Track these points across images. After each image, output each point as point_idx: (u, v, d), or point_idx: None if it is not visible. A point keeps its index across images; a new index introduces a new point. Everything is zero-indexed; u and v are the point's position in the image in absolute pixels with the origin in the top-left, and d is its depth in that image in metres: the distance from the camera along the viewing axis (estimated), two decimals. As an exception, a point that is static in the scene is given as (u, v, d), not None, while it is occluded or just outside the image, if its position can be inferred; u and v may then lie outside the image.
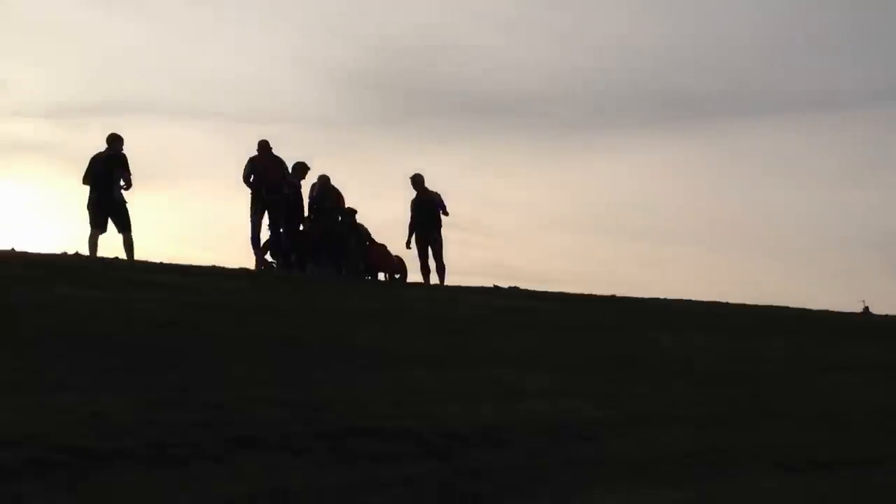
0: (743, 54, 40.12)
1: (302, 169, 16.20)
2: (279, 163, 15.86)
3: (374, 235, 17.30)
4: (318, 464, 3.45)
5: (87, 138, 34.80)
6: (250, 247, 15.99)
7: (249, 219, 15.82)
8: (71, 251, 13.62)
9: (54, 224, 31.32)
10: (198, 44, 38.63)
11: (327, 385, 4.87)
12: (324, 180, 16.50)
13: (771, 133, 40.44)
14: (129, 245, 14.15)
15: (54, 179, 36.20)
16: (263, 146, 15.79)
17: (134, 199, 14.41)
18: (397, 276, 17.19)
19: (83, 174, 14.19)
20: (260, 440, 3.58)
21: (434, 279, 16.10)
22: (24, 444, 3.11)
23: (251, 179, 15.61)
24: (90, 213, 14.13)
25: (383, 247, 17.26)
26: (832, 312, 16.36)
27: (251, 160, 15.72)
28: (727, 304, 15.74)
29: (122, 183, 14.12)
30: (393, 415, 4.30)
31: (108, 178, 13.98)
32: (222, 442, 3.50)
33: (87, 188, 14.22)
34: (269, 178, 15.56)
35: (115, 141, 14.29)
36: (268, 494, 3.04)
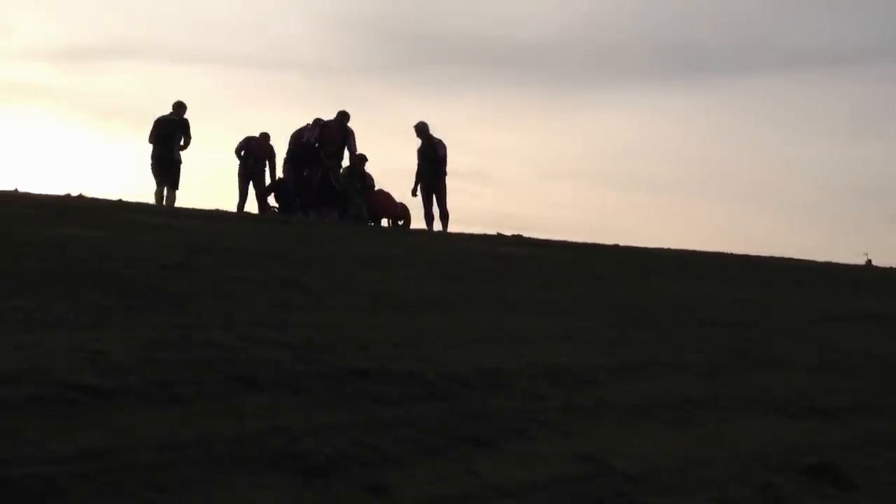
0: (752, 6, 39.69)
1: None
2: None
3: (378, 183, 17.23)
4: (320, 404, 3.46)
5: (90, 81, 34.61)
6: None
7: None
8: (75, 194, 13.61)
9: (59, 166, 31.26)
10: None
11: (328, 327, 4.86)
12: (340, 121, 16.24)
13: (777, 85, 40.17)
14: (171, 201, 15.62)
15: (59, 122, 36.07)
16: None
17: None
18: (400, 222, 17.16)
19: (149, 133, 15.91)
20: (262, 380, 3.58)
21: (437, 226, 16.07)
22: (25, 380, 3.11)
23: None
24: (153, 170, 15.78)
25: (387, 194, 17.20)
26: (835, 264, 16.34)
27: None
28: (731, 254, 15.72)
29: (181, 143, 15.80)
30: (394, 357, 4.29)
31: (170, 139, 15.66)
32: (224, 381, 3.50)
33: (149, 147, 15.81)
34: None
35: (179, 107, 15.94)
36: (269, 433, 3.05)
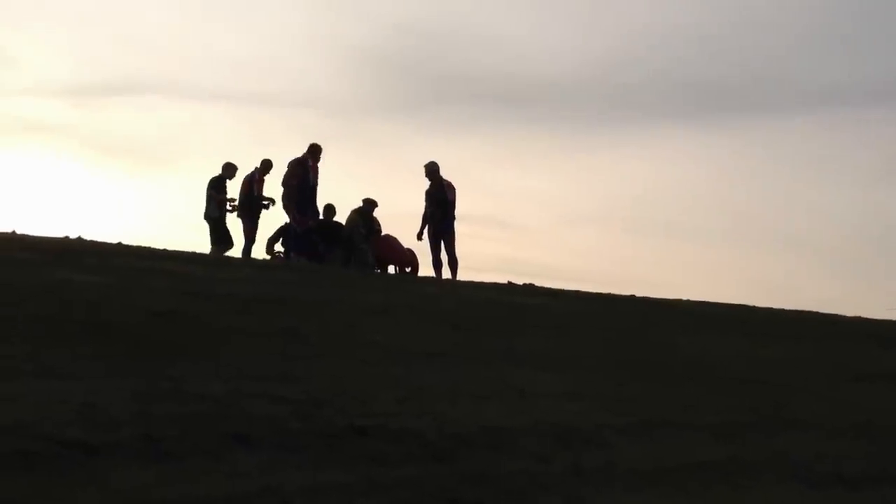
0: (778, 43, 39.82)
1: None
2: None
3: (387, 227, 17.28)
4: (315, 463, 3.46)
5: (99, 118, 34.92)
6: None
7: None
8: (74, 236, 13.70)
9: (63, 207, 31.47)
10: (214, 22, 38.68)
11: (328, 381, 4.87)
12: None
13: (804, 127, 40.10)
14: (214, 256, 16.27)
15: (65, 160, 36.34)
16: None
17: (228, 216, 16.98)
18: (408, 269, 17.18)
19: None
20: (255, 437, 3.59)
21: (446, 274, 16.09)
22: (10, 434, 3.13)
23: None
24: None
25: (394, 239, 17.23)
26: (864, 319, 16.27)
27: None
28: (752, 307, 15.67)
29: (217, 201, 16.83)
30: (395, 413, 4.30)
31: (207, 196, 16.79)
32: (217, 437, 3.51)
33: None
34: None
35: (223, 166, 16.99)
36: (261, 494, 3.05)
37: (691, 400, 5.90)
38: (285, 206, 16.20)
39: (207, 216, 16.80)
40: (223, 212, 16.85)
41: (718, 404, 5.90)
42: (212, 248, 16.57)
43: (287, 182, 16.05)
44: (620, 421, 4.93)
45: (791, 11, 40.15)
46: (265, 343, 5.80)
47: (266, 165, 16.69)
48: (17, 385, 3.87)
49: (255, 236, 16.91)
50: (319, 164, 16.34)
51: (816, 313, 16.01)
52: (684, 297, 15.71)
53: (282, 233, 16.83)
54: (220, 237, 16.77)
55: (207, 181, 16.93)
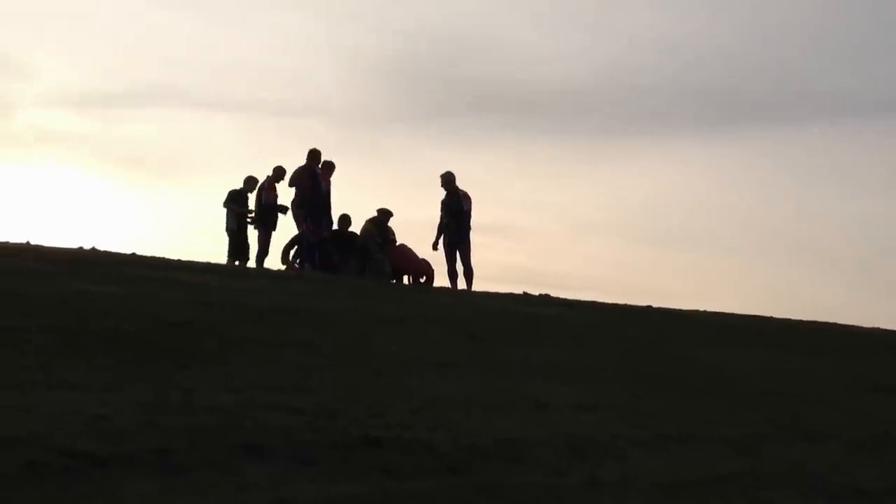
0: (790, 52, 39.65)
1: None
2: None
3: (401, 236, 17.27)
4: (328, 475, 3.43)
5: (113, 129, 35.06)
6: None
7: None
8: (88, 246, 13.74)
9: (77, 217, 31.58)
10: (226, 33, 38.80)
11: (342, 391, 4.85)
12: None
13: (818, 136, 39.89)
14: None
15: (79, 171, 36.47)
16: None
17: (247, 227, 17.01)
18: (423, 279, 17.15)
19: None
20: (268, 448, 3.56)
21: (461, 284, 16.07)
22: (20, 446, 3.11)
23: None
24: None
25: (409, 249, 17.21)
26: (882, 330, 16.16)
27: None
28: (769, 318, 15.60)
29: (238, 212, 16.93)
30: (409, 425, 4.27)
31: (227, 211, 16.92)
32: (228, 449, 3.48)
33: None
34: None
35: (247, 181, 17.00)
36: (273, 506, 3.02)
37: (709, 412, 5.86)
38: (295, 216, 16.20)
39: (227, 228, 16.87)
40: (242, 224, 16.89)
41: (736, 416, 5.85)
42: (228, 260, 16.62)
43: (300, 190, 16.06)
44: (637, 433, 4.89)
45: (803, 20, 40.02)
46: (279, 353, 5.78)
47: (278, 173, 16.69)
48: (29, 396, 3.86)
49: (268, 246, 16.91)
50: (329, 173, 16.35)
51: (833, 324, 15.91)
52: (701, 308, 15.66)
53: (296, 242, 16.83)
54: (238, 249, 16.82)
55: (227, 193, 16.97)
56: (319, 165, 16.22)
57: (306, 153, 16.27)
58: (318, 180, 16.05)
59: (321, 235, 16.14)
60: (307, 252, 16.34)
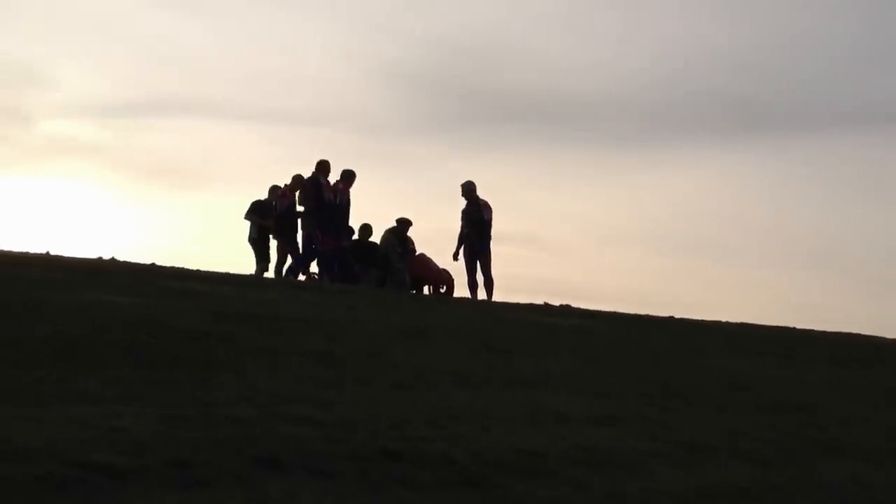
0: (815, 61, 39.49)
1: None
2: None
3: (421, 246, 17.26)
4: (346, 488, 3.41)
5: (133, 139, 35.26)
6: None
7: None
8: (107, 257, 13.80)
9: (97, 227, 31.78)
10: (249, 42, 39.00)
11: (360, 404, 4.83)
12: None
13: (842, 146, 39.68)
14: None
15: (101, 181, 36.70)
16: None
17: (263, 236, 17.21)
18: (443, 288, 17.13)
19: None
20: (285, 461, 3.55)
21: (482, 294, 16.04)
22: (36, 458, 3.11)
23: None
24: None
25: (429, 259, 17.19)
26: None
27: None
28: (792, 329, 15.51)
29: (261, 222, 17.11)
30: (428, 438, 4.25)
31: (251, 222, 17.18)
32: (245, 462, 3.47)
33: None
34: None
35: (271, 191, 17.22)
36: (290, 520, 3.01)
37: (731, 424, 5.81)
38: (303, 227, 16.24)
39: (249, 238, 16.98)
40: (263, 234, 16.97)
41: (758, 429, 5.80)
42: (256, 270, 16.76)
43: (303, 202, 16.11)
44: (658, 446, 4.85)
45: (828, 29, 39.85)
46: (297, 365, 5.77)
47: (297, 181, 16.76)
48: (45, 407, 3.86)
49: (286, 255, 16.96)
50: (349, 183, 16.34)
51: (857, 335, 15.81)
52: (723, 319, 15.59)
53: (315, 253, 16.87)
54: (261, 258, 16.92)
55: (250, 203, 17.05)
56: (327, 176, 16.24)
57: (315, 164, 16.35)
58: (321, 190, 16.07)
59: (332, 244, 16.13)
60: (324, 263, 16.36)
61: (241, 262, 17.05)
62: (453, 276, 17.07)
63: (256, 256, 17.01)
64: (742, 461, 4.87)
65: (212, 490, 3.15)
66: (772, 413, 6.49)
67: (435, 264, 17.21)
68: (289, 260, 16.82)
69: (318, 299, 10.48)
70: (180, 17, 37.76)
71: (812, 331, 15.62)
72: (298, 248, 16.72)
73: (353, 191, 16.44)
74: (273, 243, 17.06)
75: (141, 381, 4.66)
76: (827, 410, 6.99)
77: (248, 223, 16.99)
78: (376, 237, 17.18)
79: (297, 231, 16.81)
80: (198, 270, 13.00)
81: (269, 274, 16.73)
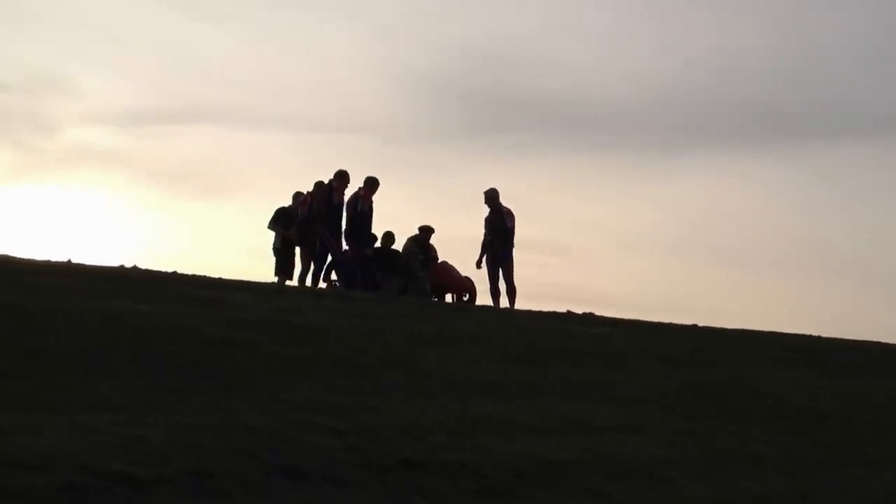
0: (848, 68, 39.22)
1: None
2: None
3: (444, 254, 17.22)
4: (365, 497, 3.41)
5: (156, 146, 35.40)
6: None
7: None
8: (129, 265, 13.85)
9: (119, 235, 31.90)
10: (273, 49, 38.98)
11: (380, 412, 4.83)
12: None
13: (871, 154, 39.33)
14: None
15: (124, 189, 36.84)
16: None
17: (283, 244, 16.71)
18: (465, 296, 17.09)
19: None
20: (305, 471, 3.56)
21: (504, 302, 16.00)
22: (58, 467, 3.12)
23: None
24: None
25: (451, 267, 17.15)
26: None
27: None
28: (819, 337, 15.37)
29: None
30: (448, 447, 4.24)
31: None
32: (266, 472, 3.48)
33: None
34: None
35: (294, 197, 16.90)
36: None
37: (756, 434, 5.77)
38: (317, 232, 16.25)
39: (273, 246, 17.00)
40: (286, 243, 16.97)
41: (785, 439, 5.76)
42: (277, 278, 16.77)
43: (316, 208, 16.12)
44: (682, 456, 4.83)
45: (857, 37, 39.55)
46: (318, 374, 5.78)
47: (318, 188, 16.76)
48: (68, 417, 3.88)
49: (310, 263, 16.96)
50: (372, 191, 16.33)
51: (885, 344, 15.65)
52: (748, 327, 15.47)
53: (336, 262, 16.87)
54: (282, 268, 16.93)
55: (274, 211, 17.07)
56: (345, 186, 16.21)
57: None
58: (331, 197, 16.07)
59: (353, 251, 16.12)
60: (340, 269, 16.36)
61: (264, 270, 17.04)
62: (476, 284, 17.03)
63: (278, 265, 17.02)
64: (765, 471, 4.84)
65: (231, 499, 3.16)
66: (796, 422, 6.44)
67: (457, 272, 17.15)
68: (312, 267, 16.82)
69: (339, 307, 10.48)
70: (205, 26, 37.89)
71: (837, 339, 15.49)
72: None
73: (377, 198, 16.41)
74: (297, 252, 17.09)
75: (161, 389, 4.67)
76: (853, 420, 6.93)
77: (272, 231, 17.05)
78: (399, 245, 17.16)
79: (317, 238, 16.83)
80: (220, 279, 13.03)
81: (293, 283, 16.75)
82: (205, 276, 13.10)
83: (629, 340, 10.76)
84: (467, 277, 17.10)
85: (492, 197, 16.29)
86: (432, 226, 16.96)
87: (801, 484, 4.67)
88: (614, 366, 8.28)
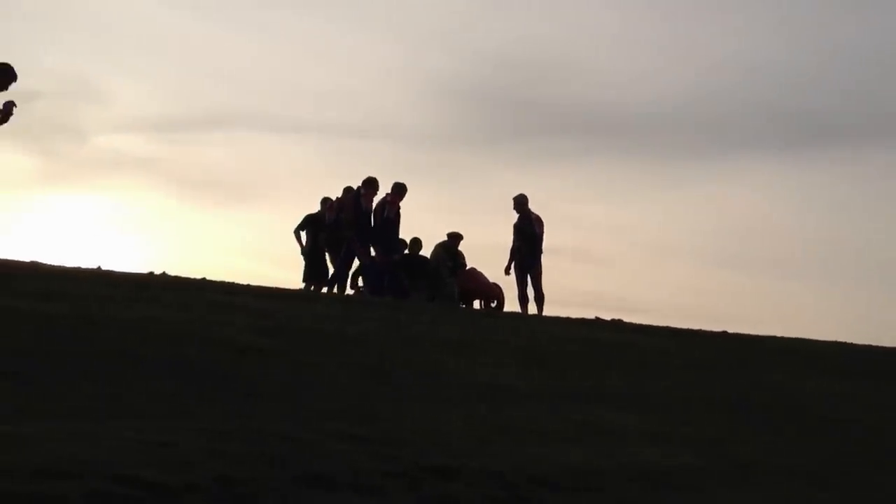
0: (872, 72, 38.92)
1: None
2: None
3: (472, 260, 17.21)
4: (392, 506, 3.40)
5: (185, 153, 35.65)
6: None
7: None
8: (159, 271, 13.94)
9: (148, 242, 32.12)
10: (300, 56, 39.20)
11: (409, 419, 4.82)
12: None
13: (901, 159, 39.05)
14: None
15: (153, 195, 37.07)
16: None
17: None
18: (493, 303, 17.08)
19: None
20: (332, 478, 3.55)
21: (532, 309, 15.97)
22: (85, 474, 3.13)
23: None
24: None
25: (479, 273, 17.13)
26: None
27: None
28: (852, 345, 15.24)
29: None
30: (476, 454, 4.22)
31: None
32: (293, 479, 3.47)
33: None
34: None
35: (322, 203, 17.18)
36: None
37: (785, 442, 5.72)
38: (345, 238, 16.29)
39: (302, 252, 17.04)
40: (316, 248, 17.01)
41: (814, 447, 5.70)
42: (304, 284, 16.80)
43: (345, 215, 16.15)
44: (710, 463, 4.79)
45: (882, 41, 39.25)
46: (346, 380, 5.78)
47: (346, 193, 16.82)
48: (95, 424, 3.90)
49: (339, 269, 17.00)
50: (399, 196, 16.35)
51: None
52: (778, 334, 15.36)
53: (363, 268, 16.89)
54: (312, 273, 16.96)
55: (302, 217, 17.12)
56: (374, 193, 16.24)
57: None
58: (358, 202, 16.10)
59: (379, 257, 16.14)
60: (366, 274, 16.39)
61: (292, 276, 17.11)
62: (504, 291, 17.02)
63: (306, 270, 17.04)
64: (796, 480, 4.80)
65: (258, 507, 3.16)
66: (828, 431, 6.38)
67: (485, 278, 17.15)
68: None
69: (367, 314, 10.49)
70: (232, 33, 38.13)
71: (869, 346, 15.35)
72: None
73: (404, 204, 16.44)
74: (327, 257, 17.15)
75: (189, 396, 4.69)
76: (883, 427, 6.87)
77: (301, 235, 17.11)
78: (427, 251, 17.17)
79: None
80: (248, 285, 13.08)
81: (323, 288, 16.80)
82: (234, 283, 13.16)
83: (657, 347, 10.71)
84: (495, 284, 17.10)
85: (521, 203, 16.28)
86: (461, 232, 16.98)
87: (831, 493, 4.63)
88: (643, 373, 8.24)
